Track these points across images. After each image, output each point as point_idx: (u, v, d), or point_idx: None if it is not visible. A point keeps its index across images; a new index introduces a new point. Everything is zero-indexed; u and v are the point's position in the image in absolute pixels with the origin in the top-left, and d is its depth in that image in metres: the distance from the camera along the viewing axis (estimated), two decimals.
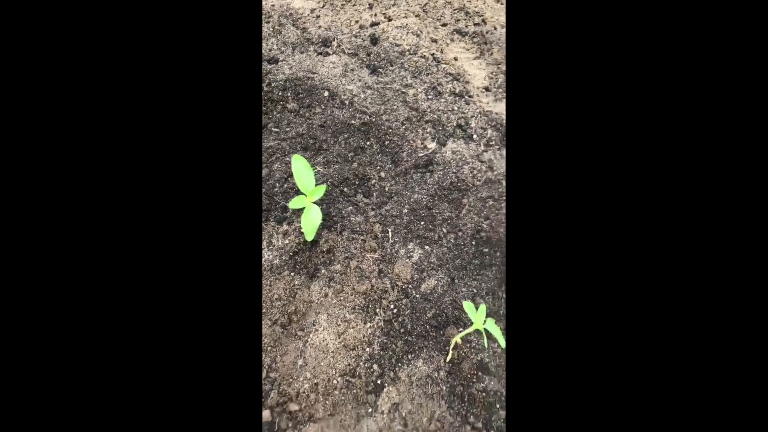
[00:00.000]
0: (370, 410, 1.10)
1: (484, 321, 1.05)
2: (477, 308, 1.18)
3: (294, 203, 1.20)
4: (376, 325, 1.21)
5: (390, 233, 1.37)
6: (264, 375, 1.15)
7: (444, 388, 1.11)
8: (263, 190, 1.43)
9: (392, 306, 1.24)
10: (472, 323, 1.18)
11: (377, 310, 1.23)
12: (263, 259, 1.30)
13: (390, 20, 2.06)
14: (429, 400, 1.10)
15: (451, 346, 1.14)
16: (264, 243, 1.32)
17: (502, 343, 1.05)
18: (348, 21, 2.04)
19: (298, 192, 1.43)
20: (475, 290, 1.29)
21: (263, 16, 1.99)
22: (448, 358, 1.14)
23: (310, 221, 1.21)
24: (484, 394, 1.11)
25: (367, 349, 1.18)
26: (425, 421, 1.07)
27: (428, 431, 1.05)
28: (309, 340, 1.20)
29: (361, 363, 1.16)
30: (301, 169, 1.22)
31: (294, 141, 1.57)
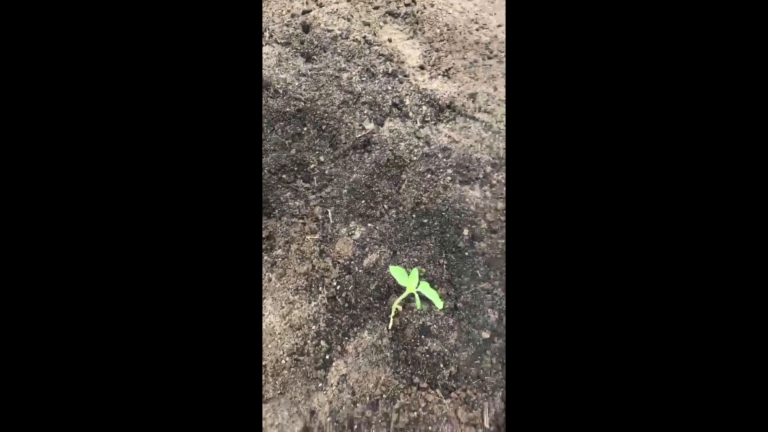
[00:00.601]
0: (320, 385, 1.13)
1: (417, 284, 1.09)
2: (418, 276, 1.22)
3: None
4: (320, 303, 1.24)
5: (330, 214, 1.40)
6: None
7: (389, 354, 1.15)
8: None
9: (335, 283, 1.27)
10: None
11: (320, 288, 1.26)
12: None
13: (321, 6, 2.06)
14: (375, 367, 1.14)
15: (392, 314, 1.18)
16: None
17: (438, 304, 1.09)
18: (279, 11, 2.04)
19: None
20: (416, 260, 1.33)
21: None
22: (390, 325, 1.18)
23: None
24: (428, 355, 1.16)
25: (314, 327, 1.21)
26: (371, 387, 1.10)
27: (374, 395, 1.09)
28: None
29: (308, 341, 1.19)
30: None
31: None
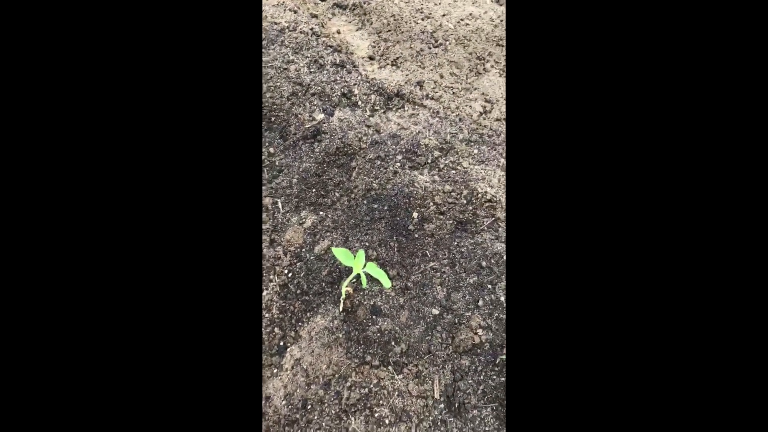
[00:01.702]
0: (275, 371, 1.14)
1: (364, 265, 1.13)
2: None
3: None
4: (272, 291, 1.25)
5: (280, 204, 1.41)
6: None
7: (341, 335, 1.18)
8: None
9: (286, 271, 1.28)
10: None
11: (271, 276, 1.27)
12: None
13: None
14: (327, 349, 1.16)
15: (342, 296, 1.21)
16: None
17: (386, 283, 1.13)
18: None
19: None
20: (367, 243, 1.36)
21: None
22: (341, 307, 1.21)
23: None
24: (379, 334, 1.19)
25: (267, 315, 1.22)
26: (324, 368, 1.13)
27: (327, 375, 1.12)
28: None
29: (262, 329, 1.20)
30: None
31: None
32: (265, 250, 1.31)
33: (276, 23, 1.94)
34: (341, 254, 1.11)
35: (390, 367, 1.15)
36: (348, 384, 1.10)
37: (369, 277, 1.20)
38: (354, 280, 1.24)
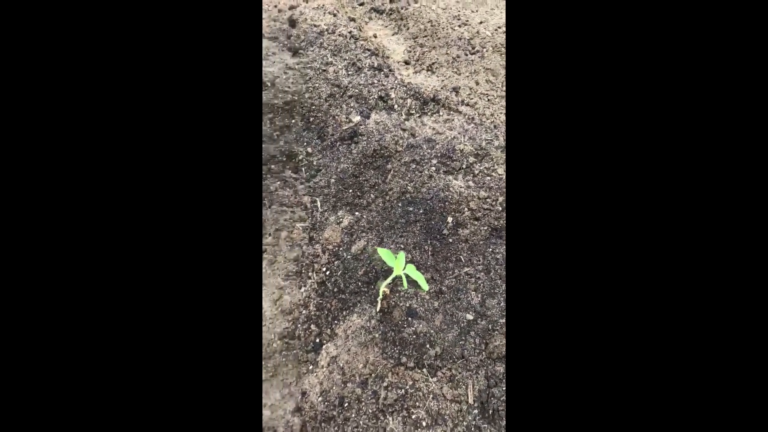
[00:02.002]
0: (311, 367, 1.16)
1: (404, 267, 1.14)
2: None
3: None
4: (310, 288, 1.27)
5: (318, 203, 1.43)
6: None
7: (377, 335, 1.19)
8: None
9: (324, 269, 1.30)
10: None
11: (310, 273, 1.29)
12: None
13: (307, 1, 2.09)
14: (364, 348, 1.18)
15: (380, 297, 1.22)
16: None
17: (424, 286, 1.14)
18: (266, 6, 2.05)
19: None
20: (402, 246, 1.37)
21: None
22: (378, 308, 1.22)
23: None
24: (414, 336, 1.20)
25: (304, 312, 1.24)
26: (361, 367, 1.14)
27: (364, 374, 1.13)
28: None
29: (299, 325, 1.22)
30: None
31: None
32: (305, 248, 1.33)
33: (315, 25, 1.97)
34: (385, 254, 1.13)
35: (425, 370, 1.16)
36: (385, 384, 1.11)
37: (407, 278, 1.21)
38: (392, 281, 1.25)
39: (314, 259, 1.31)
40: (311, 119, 1.66)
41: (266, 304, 1.24)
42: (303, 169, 1.54)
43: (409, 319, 1.23)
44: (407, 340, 1.20)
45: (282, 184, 1.47)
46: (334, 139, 1.62)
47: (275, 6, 2.06)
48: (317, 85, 1.76)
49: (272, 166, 1.51)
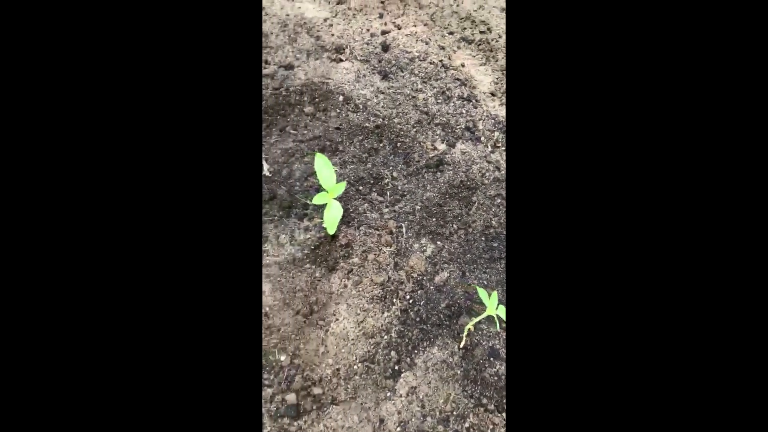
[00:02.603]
0: (389, 394, 1.17)
1: (496, 307, 1.13)
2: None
3: (317, 199, 1.28)
4: (393, 315, 1.28)
5: (404, 229, 1.45)
6: (288, 362, 1.22)
7: (458, 372, 1.18)
8: (285, 189, 1.51)
9: (408, 297, 1.31)
10: (483, 311, 1.26)
11: (394, 300, 1.30)
12: (285, 254, 1.37)
13: (399, 29, 2.15)
14: (444, 383, 1.17)
15: (465, 333, 1.21)
16: (287, 238, 1.40)
17: None
18: (360, 29, 2.14)
19: (318, 190, 1.51)
20: (485, 282, 1.36)
21: (279, 25, 2.08)
22: (462, 344, 1.21)
23: (332, 216, 1.29)
24: (496, 378, 1.18)
25: (385, 337, 1.25)
26: (441, 403, 1.13)
27: (444, 411, 1.12)
28: (330, 329, 1.27)
29: (379, 350, 1.23)
30: (323, 167, 1.30)
31: (311, 143, 1.65)
32: (390, 273, 1.35)
33: (407, 52, 2.03)
34: (483, 294, 1.12)
35: (504, 414, 1.13)
36: (466, 425, 1.10)
37: (498, 318, 1.20)
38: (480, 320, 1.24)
39: (399, 286, 1.33)
40: (398, 144, 1.70)
41: (350, 325, 1.27)
42: (388, 192, 1.57)
43: (491, 359, 1.21)
44: (488, 380, 1.18)
45: (369, 207, 1.50)
46: (419, 165, 1.65)
47: (368, 30, 2.14)
48: (406, 110, 1.80)
49: (360, 188, 1.55)
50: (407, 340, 1.25)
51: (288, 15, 2.17)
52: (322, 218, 1.44)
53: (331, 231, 1.33)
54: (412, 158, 1.67)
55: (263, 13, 2.12)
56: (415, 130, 1.75)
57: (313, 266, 1.36)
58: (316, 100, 1.80)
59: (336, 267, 1.36)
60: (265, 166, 1.54)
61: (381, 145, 1.69)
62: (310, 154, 1.61)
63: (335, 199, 1.33)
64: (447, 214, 1.52)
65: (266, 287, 1.33)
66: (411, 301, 1.31)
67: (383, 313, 1.28)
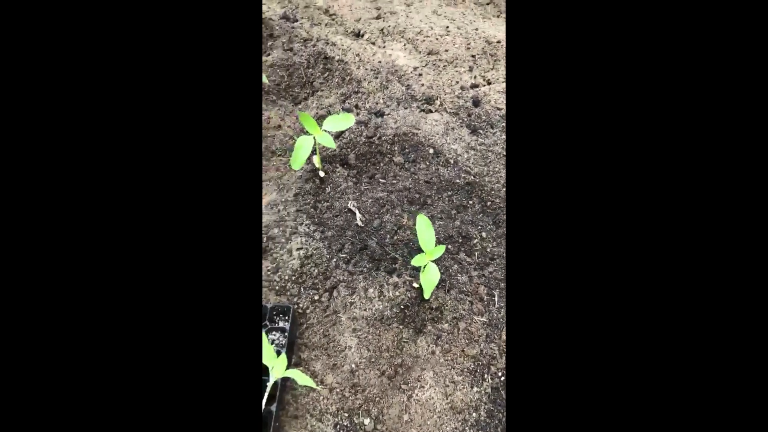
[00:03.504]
0: None
1: None
2: None
3: (416, 261, 1.26)
4: (483, 391, 1.23)
5: (496, 297, 1.40)
6: (372, 426, 1.18)
7: None
8: (375, 240, 1.51)
9: (500, 374, 1.25)
10: None
11: (485, 375, 1.25)
12: (373, 309, 1.36)
13: (489, 84, 2.16)
14: None
15: None
16: (375, 292, 1.39)
17: None
18: (449, 81, 2.16)
19: (407, 244, 1.50)
20: None
21: (372, 72, 2.15)
22: None
23: (429, 280, 1.26)
24: None
25: (473, 414, 1.19)
26: None
27: None
28: (414, 395, 1.23)
29: (467, 428, 1.17)
30: (424, 229, 1.29)
31: (401, 194, 1.66)
32: (482, 345, 1.30)
33: (499, 108, 2.03)
34: None
35: None
36: None
37: None
38: None
39: (491, 361, 1.27)
40: (488, 203, 1.67)
41: (437, 396, 1.22)
42: (476, 253, 1.53)
43: None
44: None
45: (459, 268, 1.47)
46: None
47: (457, 82, 2.16)
48: (497, 169, 1.78)
49: (449, 246, 1.52)
50: (497, 422, 1.18)
51: (380, 62, 2.23)
52: (412, 277, 1.42)
53: (427, 295, 1.30)
54: (501, 219, 1.63)
55: (358, 59, 2.20)
56: (505, 190, 1.72)
57: (401, 326, 1.33)
58: (406, 150, 1.82)
59: (423, 330, 1.33)
60: (358, 215, 1.55)
61: (470, 202, 1.67)
62: (401, 207, 1.62)
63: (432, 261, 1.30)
64: None
65: (352, 342, 1.31)
66: (503, 379, 1.24)
67: (473, 387, 1.23)
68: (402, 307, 1.36)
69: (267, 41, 2.21)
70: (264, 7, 2.42)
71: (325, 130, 1.52)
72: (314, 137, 1.50)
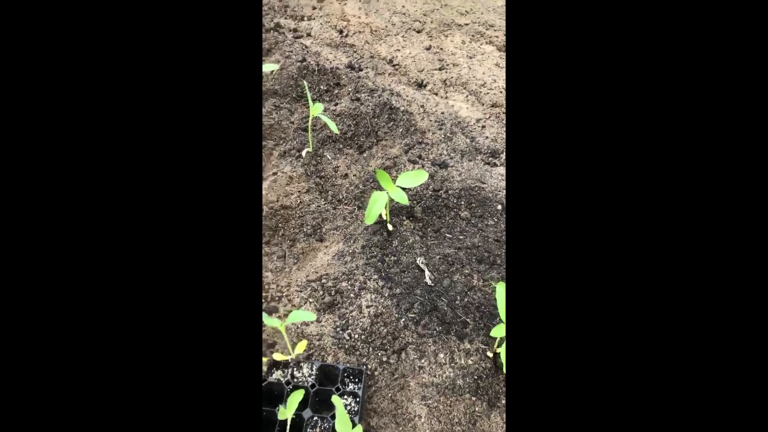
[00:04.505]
0: None
1: None
2: None
3: (495, 332, 1.21)
4: None
5: None
6: None
7: None
8: (446, 301, 1.47)
9: None
10: None
11: None
12: (444, 376, 1.31)
13: None
14: None
15: None
16: (445, 357, 1.34)
17: None
18: None
19: (478, 308, 1.45)
20: None
21: (436, 123, 2.17)
22: None
23: None
24: None
25: None
26: None
27: None
28: None
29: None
30: (504, 298, 1.25)
31: (469, 252, 1.62)
32: None
33: None
34: None
35: None
36: None
37: None
38: None
39: None
40: None
41: None
42: None
43: None
44: None
45: None
46: None
47: None
48: None
49: None
50: None
51: (443, 113, 2.26)
52: (485, 344, 1.37)
53: (505, 369, 1.24)
54: None
55: (422, 110, 2.23)
56: None
57: (474, 398, 1.27)
58: (473, 205, 1.80)
59: (498, 404, 1.26)
60: (427, 273, 1.53)
61: None
62: (470, 266, 1.58)
63: None
64: None
65: (422, 411, 1.26)
66: None
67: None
68: (475, 377, 1.30)
69: (334, 89, 2.29)
70: (331, 56, 2.53)
71: (399, 186, 1.53)
72: (388, 193, 1.51)
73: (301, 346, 1.25)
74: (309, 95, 1.78)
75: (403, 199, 1.50)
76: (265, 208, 1.71)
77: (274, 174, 1.87)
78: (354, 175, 1.91)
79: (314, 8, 2.92)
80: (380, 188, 1.83)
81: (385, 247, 1.63)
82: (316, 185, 1.84)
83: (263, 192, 1.79)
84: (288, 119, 2.10)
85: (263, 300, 1.48)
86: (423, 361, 1.34)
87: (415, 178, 1.54)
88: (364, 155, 2.02)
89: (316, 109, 1.77)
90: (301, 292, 1.49)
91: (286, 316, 1.42)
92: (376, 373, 1.32)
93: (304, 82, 1.96)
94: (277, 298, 1.49)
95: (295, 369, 1.24)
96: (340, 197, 1.83)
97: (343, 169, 1.93)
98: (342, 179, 1.90)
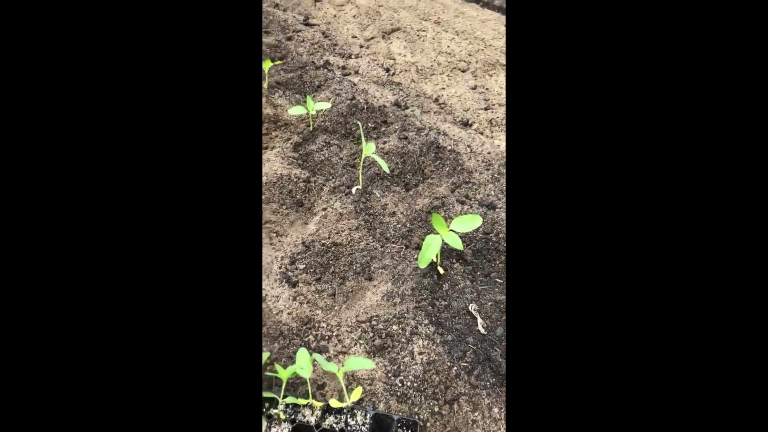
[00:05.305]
0: None
1: None
2: None
3: None
4: None
5: None
6: None
7: None
8: (499, 351, 1.43)
9: None
10: None
11: None
12: (500, 431, 1.26)
13: None
14: None
15: None
16: (500, 413, 1.29)
17: None
18: None
19: None
20: None
21: (483, 163, 2.18)
22: None
23: None
24: None
25: None
26: None
27: None
28: None
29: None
30: None
31: None
32: None
33: None
34: None
35: None
36: None
37: None
38: None
39: None
40: None
41: None
42: None
43: None
44: None
45: None
46: None
47: None
48: None
49: None
50: None
51: (489, 152, 2.27)
52: None
53: None
54: None
55: (468, 150, 2.25)
56: None
57: None
58: None
59: None
60: (479, 321, 1.50)
61: None
62: None
63: None
64: None
65: None
66: None
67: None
68: None
69: (381, 127, 2.34)
70: (378, 94, 2.60)
71: (452, 230, 1.53)
72: (442, 237, 1.51)
73: (357, 394, 1.23)
74: (363, 135, 1.83)
75: (457, 244, 1.50)
76: (316, 244, 1.74)
77: (324, 210, 1.90)
78: (401, 213, 1.92)
79: (361, 47, 3.03)
80: (428, 226, 1.83)
81: (436, 290, 1.61)
82: (366, 222, 1.86)
83: (314, 227, 1.83)
84: (337, 155, 2.15)
85: (314, 338, 1.48)
86: (476, 414, 1.30)
87: (469, 222, 1.53)
88: (411, 193, 2.04)
89: (369, 149, 1.81)
90: (351, 332, 1.49)
91: (336, 356, 1.42)
92: (428, 424, 1.28)
93: (359, 123, 2.02)
94: (326, 338, 1.49)
95: (348, 416, 1.22)
96: (388, 235, 1.84)
97: (390, 206, 1.95)
98: (390, 217, 1.91)
